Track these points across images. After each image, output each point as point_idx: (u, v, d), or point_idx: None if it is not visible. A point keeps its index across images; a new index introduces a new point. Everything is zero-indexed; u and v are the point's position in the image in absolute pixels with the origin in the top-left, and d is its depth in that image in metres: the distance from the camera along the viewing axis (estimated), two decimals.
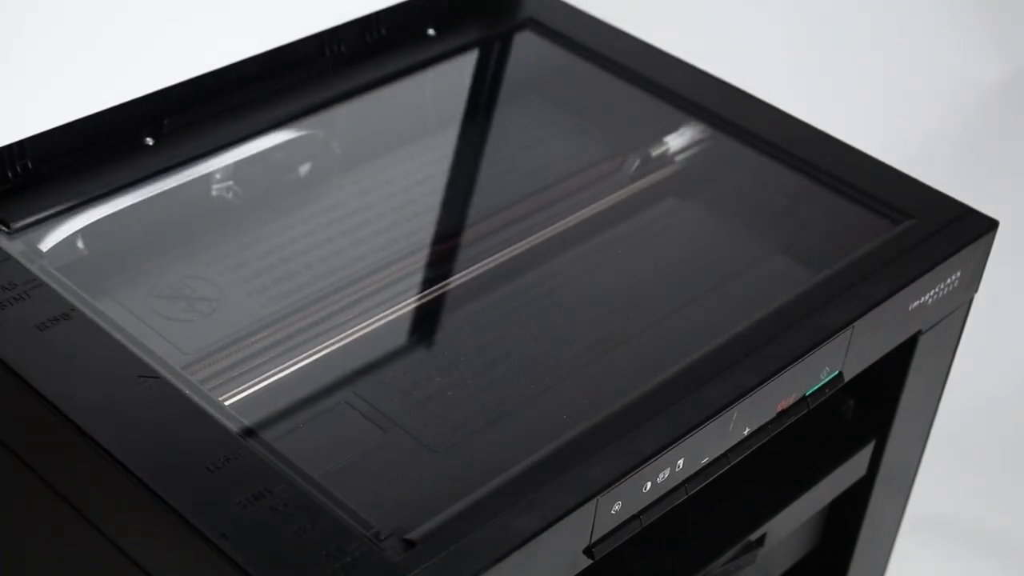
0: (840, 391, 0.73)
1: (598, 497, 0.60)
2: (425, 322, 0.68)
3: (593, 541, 0.61)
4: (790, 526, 0.79)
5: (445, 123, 0.81)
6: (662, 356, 0.67)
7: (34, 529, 0.69)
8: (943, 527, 1.12)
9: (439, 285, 0.70)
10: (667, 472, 0.63)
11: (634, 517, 0.63)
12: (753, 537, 0.75)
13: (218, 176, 0.77)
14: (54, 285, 0.67)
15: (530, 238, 0.73)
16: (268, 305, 0.68)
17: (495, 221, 0.74)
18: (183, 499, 0.57)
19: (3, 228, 0.71)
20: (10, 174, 0.74)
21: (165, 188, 0.75)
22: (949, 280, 0.75)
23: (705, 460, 0.65)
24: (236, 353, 0.66)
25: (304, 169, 0.78)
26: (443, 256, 0.72)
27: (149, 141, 0.78)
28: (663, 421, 0.63)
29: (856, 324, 0.70)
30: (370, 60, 0.86)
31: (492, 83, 0.85)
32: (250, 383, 0.64)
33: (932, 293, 0.75)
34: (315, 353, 0.66)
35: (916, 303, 0.74)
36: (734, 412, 0.65)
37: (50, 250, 0.70)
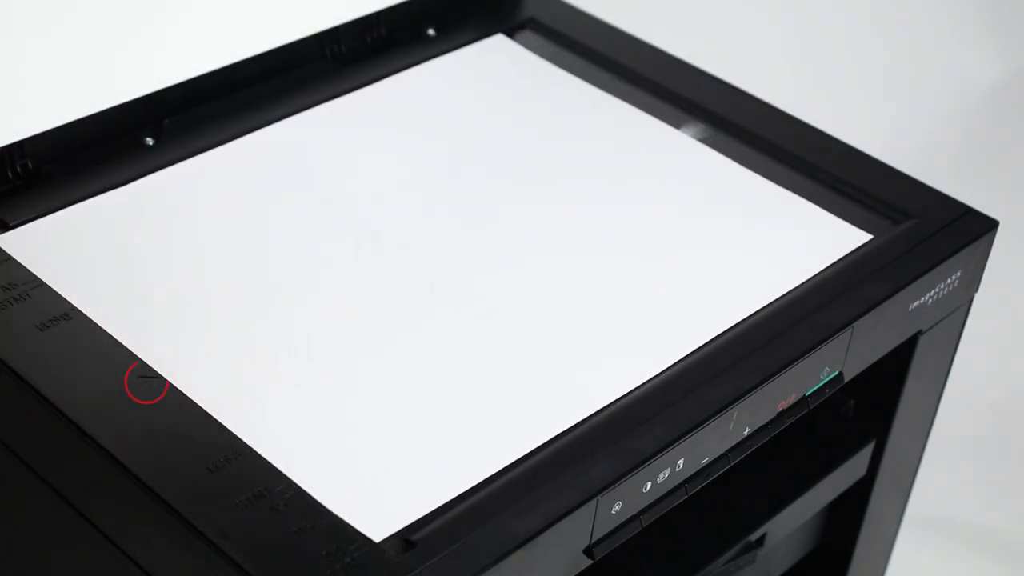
0: (840, 391, 0.74)
1: (598, 497, 0.60)
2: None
3: (593, 541, 0.61)
4: (790, 526, 0.79)
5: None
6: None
7: (34, 529, 0.69)
8: (943, 527, 1.12)
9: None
10: (667, 472, 0.63)
11: (634, 517, 0.63)
12: (753, 537, 0.76)
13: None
14: (54, 285, 0.67)
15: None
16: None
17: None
18: (183, 499, 0.57)
19: (3, 228, 0.71)
20: (10, 174, 0.74)
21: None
22: (949, 280, 0.75)
23: (705, 460, 0.65)
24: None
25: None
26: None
27: (149, 141, 0.78)
28: (663, 421, 0.63)
29: (856, 324, 0.70)
30: (370, 60, 0.86)
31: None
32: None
33: (932, 293, 0.75)
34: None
35: (916, 303, 0.74)
36: (734, 412, 0.65)
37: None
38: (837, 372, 0.71)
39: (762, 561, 0.78)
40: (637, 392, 0.64)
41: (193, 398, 0.62)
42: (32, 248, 0.70)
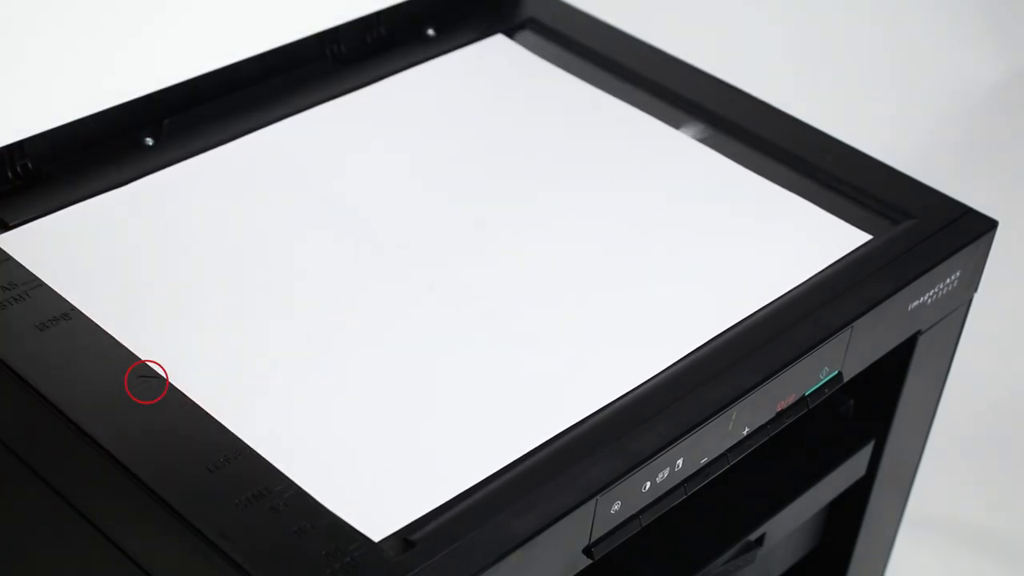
0: (840, 391, 0.74)
1: (597, 497, 0.60)
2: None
3: (592, 541, 0.61)
4: (789, 526, 0.79)
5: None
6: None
7: (34, 529, 0.69)
8: (943, 527, 1.12)
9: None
10: (666, 472, 0.63)
11: (633, 517, 0.63)
12: (752, 537, 0.76)
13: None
14: (54, 285, 0.67)
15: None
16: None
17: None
18: (183, 499, 0.57)
19: (3, 228, 0.71)
20: (10, 174, 0.74)
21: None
22: (949, 280, 0.75)
23: (704, 460, 0.65)
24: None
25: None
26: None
27: (149, 141, 0.78)
28: (663, 421, 0.63)
29: (856, 324, 0.70)
30: (370, 60, 0.86)
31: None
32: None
33: (932, 293, 0.75)
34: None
35: (916, 303, 0.74)
36: (734, 412, 0.65)
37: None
38: (836, 372, 0.71)
39: (762, 561, 0.78)
40: (636, 392, 0.64)
41: (193, 398, 0.62)
42: (32, 248, 0.70)
